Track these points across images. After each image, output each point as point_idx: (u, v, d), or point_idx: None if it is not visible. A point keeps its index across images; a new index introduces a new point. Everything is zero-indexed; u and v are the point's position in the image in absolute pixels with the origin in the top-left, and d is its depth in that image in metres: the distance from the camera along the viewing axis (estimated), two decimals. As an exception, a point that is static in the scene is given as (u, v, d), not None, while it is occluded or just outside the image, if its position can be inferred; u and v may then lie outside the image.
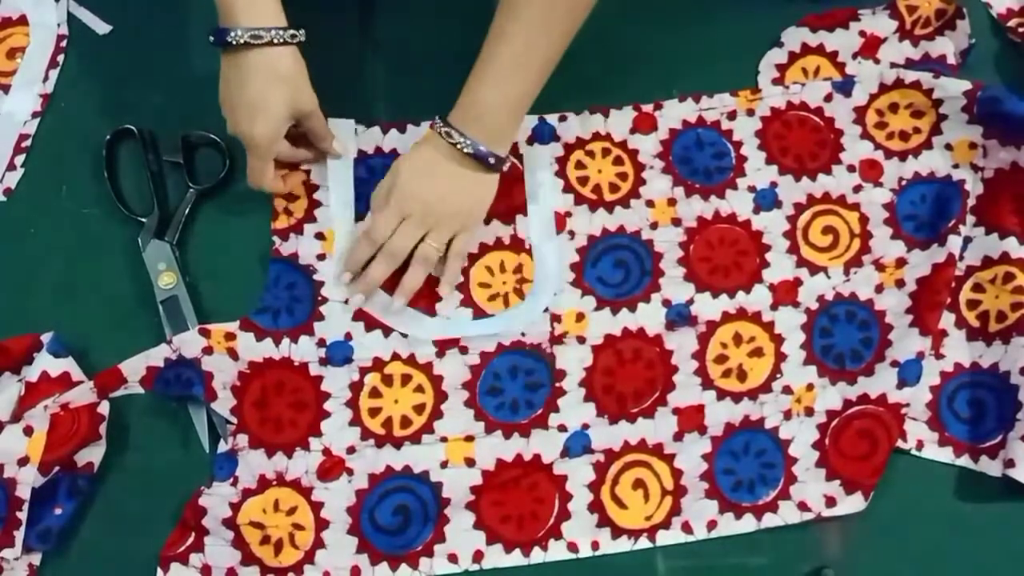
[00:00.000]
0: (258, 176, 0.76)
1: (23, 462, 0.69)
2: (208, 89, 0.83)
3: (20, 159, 0.82)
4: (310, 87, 0.76)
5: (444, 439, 0.74)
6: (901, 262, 0.78)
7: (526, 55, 0.73)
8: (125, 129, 0.82)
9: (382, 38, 0.87)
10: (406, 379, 0.76)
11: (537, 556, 0.71)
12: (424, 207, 0.75)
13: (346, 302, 0.77)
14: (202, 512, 0.71)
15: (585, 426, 0.75)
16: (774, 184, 0.81)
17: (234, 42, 0.71)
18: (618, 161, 0.82)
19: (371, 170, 0.81)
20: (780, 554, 0.71)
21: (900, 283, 0.78)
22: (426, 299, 0.78)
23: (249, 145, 0.75)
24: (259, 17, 0.72)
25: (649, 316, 0.77)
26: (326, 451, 0.73)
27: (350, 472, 0.73)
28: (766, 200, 0.81)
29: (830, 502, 0.71)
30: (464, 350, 0.76)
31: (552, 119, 0.83)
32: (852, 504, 0.71)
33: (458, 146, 0.74)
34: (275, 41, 0.72)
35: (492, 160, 0.75)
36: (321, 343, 0.76)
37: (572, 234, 0.80)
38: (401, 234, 0.75)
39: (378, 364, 0.76)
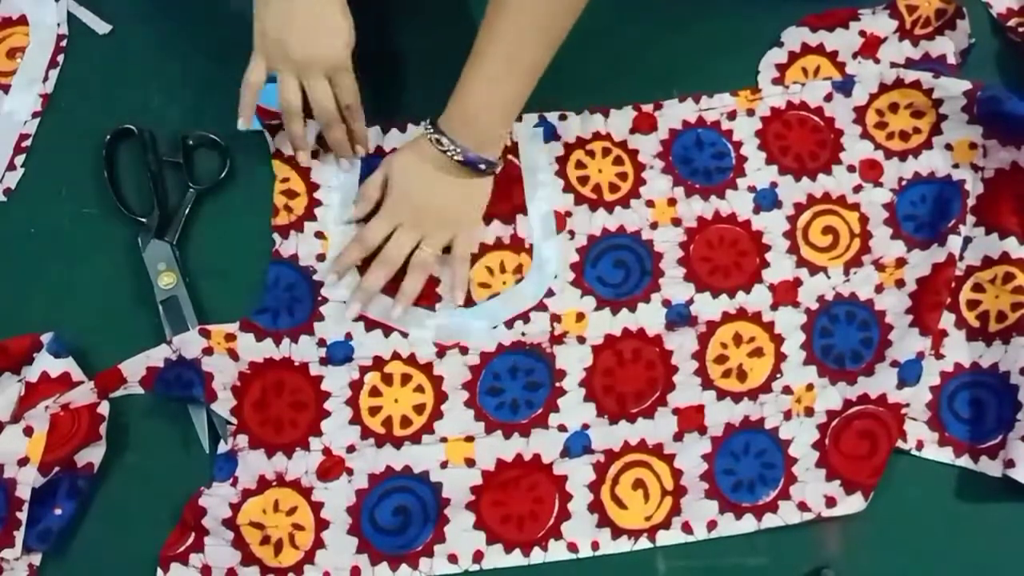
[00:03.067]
0: (330, 121, 0.76)
1: (23, 462, 0.69)
2: (208, 89, 0.83)
3: (20, 159, 0.82)
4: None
5: (444, 439, 0.74)
6: (901, 262, 0.78)
7: (517, 55, 0.72)
8: (125, 129, 0.82)
9: (382, 39, 0.87)
10: (406, 379, 0.76)
11: (537, 556, 0.71)
12: (416, 214, 0.75)
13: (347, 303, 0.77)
14: (202, 512, 0.71)
15: (585, 426, 0.75)
16: (774, 184, 0.81)
17: None
18: (618, 161, 0.82)
19: (372, 170, 0.81)
20: (780, 554, 0.71)
21: (900, 283, 0.78)
22: (426, 299, 0.78)
23: (308, 70, 0.73)
24: None
25: (649, 316, 0.77)
26: (326, 451, 0.73)
27: (350, 472, 0.73)
28: (766, 200, 0.81)
29: (830, 502, 0.71)
30: (464, 350, 0.76)
31: (552, 118, 0.83)
32: (852, 504, 0.71)
33: (448, 153, 0.74)
34: None
35: (483, 166, 0.75)
36: (321, 343, 0.76)
37: (572, 234, 0.80)
38: (396, 242, 0.75)
39: (378, 363, 0.76)
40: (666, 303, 0.78)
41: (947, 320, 0.77)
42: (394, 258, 0.76)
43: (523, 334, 0.77)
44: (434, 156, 0.74)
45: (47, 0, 0.87)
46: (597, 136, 0.83)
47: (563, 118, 0.83)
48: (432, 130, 0.74)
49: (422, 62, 0.85)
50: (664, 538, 0.71)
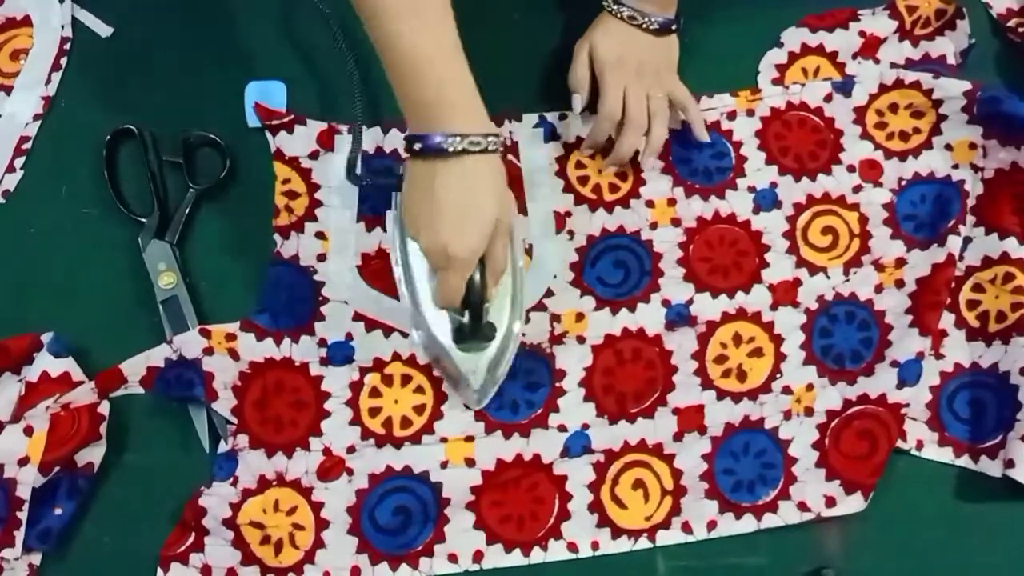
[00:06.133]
0: (455, 295, 0.68)
1: (23, 462, 0.69)
2: (208, 89, 0.83)
3: (20, 161, 0.82)
4: (513, 201, 0.72)
5: (444, 439, 0.74)
6: (901, 262, 0.78)
7: None
8: (125, 129, 0.82)
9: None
10: (406, 379, 0.76)
11: (537, 556, 0.71)
12: (636, 72, 0.80)
13: (345, 303, 0.77)
14: (202, 512, 0.71)
15: (585, 426, 0.75)
16: (774, 184, 0.81)
17: (451, 149, 0.65)
18: (618, 161, 0.82)
19: (373, 171, 0.81)
20: (780, 554, 0.71)
21: (900, 283, 0.78)
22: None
23: (450, 260, 0.66)
24: (476, 122, 0.66)
25: (649, 316, 0.77)
26: (326, 451, 0.73)
27: (350, 472, 0.73)
28: (766, 200, 0.81)
29: (830, 502, 0.71)
30: (464, 350, 0.76)
31: (552, 118, 0.83)
32: (852, 504, 0.71)
33: (642, 26, 0.79)
34: (490, 149, 0.66)
35: (674, 26, 0.81)
36: (322, 343, 0.76)
37: (572, 234, 0.80)
38: (633, 103, 0.79)
39: (378, 364, 0.76)
40: (666, 303, 0.78)
41: (947, 320, 0.77)
42: (639, 116, 0.79)
43: (523, 334, 0.77)
44: (624, 27, 0.80)
45: (51, 1, 0.87)
46: (597, 136, 0.83)
47: (563, 118, 0.83)
48: (618, 6, 0.79)
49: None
50: (664, 538, 0.71)
